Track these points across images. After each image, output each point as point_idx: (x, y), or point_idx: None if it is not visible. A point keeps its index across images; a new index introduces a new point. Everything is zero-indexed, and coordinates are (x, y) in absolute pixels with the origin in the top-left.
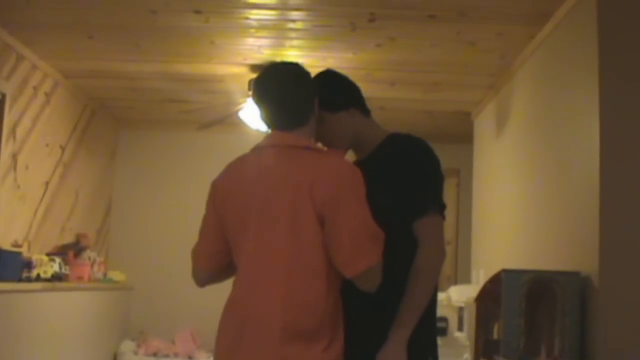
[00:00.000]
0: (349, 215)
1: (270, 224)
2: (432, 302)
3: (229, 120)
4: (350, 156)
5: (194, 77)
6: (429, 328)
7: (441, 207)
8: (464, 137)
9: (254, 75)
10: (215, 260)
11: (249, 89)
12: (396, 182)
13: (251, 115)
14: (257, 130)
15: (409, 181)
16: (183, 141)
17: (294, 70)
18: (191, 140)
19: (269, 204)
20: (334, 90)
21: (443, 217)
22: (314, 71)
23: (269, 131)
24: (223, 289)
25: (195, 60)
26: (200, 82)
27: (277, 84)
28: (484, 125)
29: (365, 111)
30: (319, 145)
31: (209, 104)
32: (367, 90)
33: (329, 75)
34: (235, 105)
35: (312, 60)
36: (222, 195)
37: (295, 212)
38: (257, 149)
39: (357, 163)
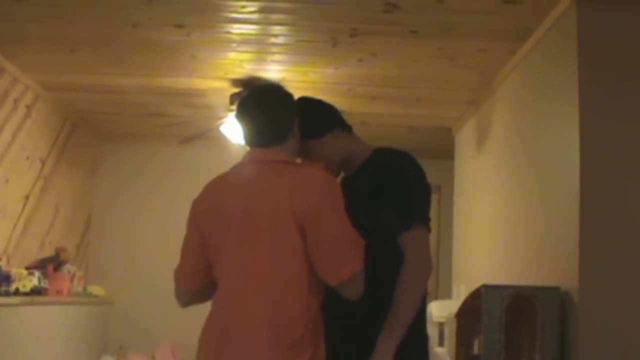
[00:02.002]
0: (330, 224)
1: (251, 237)
2: (421, 315)
3: (210, 135)
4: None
5: (176, 91)
6: (419, 341)
7: (426, 219)
8: (445, 152)
9: (235, 90)
10: (197, 279)
11: (231, 104)
12: (382, 196)
13: (233, 130)
14: (239, 145)
15: (394, 194)
16: (164, 155)
17: (276, 91)
18: (172, 155)
19: (249, 218)
20: (314, 116)
21: (428, 229)
22: (296, 85)
23: (248, 148)
24: (205, 304)
25: (176, 74)
26: (182, 96)
27: (259, 103)
28: (465, 140)
29: (347, 128)
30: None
31: (191, 118)
32: (348, 105)
33: (304, 104)
34: (217, 119)
35: (293, 74)
36: (201, 213)
37: (275, 224)
38: (237, 167)
39: (345, 179)
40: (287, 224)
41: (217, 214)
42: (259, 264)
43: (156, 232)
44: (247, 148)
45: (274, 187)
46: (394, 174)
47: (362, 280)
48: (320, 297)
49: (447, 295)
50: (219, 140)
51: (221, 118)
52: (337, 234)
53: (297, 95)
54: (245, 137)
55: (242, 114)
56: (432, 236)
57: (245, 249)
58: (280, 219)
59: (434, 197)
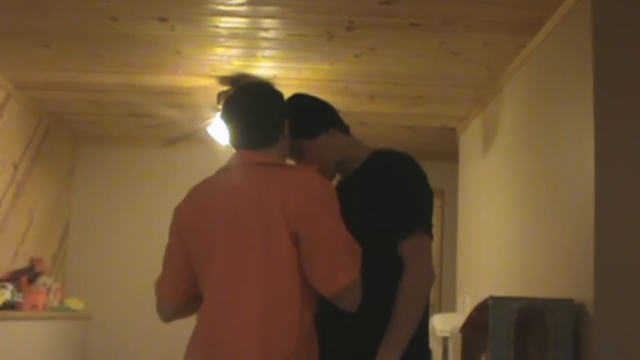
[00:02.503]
0: (325, 230)
1: (240, 246)
2: (423, 329)
3: (197, 136)
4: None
5: (159, 89)
6: (421, 357)
7: (428, 226)
8: (448, 154)
9: (223, 88)
10: (180, 291)
11: (218, 103)
12: (380, 201)
13: (221, 131)
14: (227, 147)
15: (393, 199)
16: (147, 158)
17: (264, 90)
18: (156, 158)
19: (237, 225)
20: (307, 115)
21: (430, 237)
22: (288, 83)
23: (234, 151)
24: (190, 319)
25: (160, 72)
26: (166, 95)
27: (245, 103)
28: (470, 141)
29: (344, 129)
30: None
31: (175, 118)
32: (344, 104)
33: (298, 100)
34: (204, 120)
35: (285, 71)
36: (185, 220)
37: (266, 232)
38: (223, 170)
39: (341, 183)
40: (278, 231)
41: (201, 222)
42: (249, 274)
43: (139, 241)
44: (234, 151)
45: (264, 192)
46: (393, 178)
47: (360, 290)
48: (314, 310)
49: (451, 307)
50: (206, 142)
51: (208, 118)
52: (332, 241)
53: (289, 93)
54: (232, 139)
55: (227, 115)
56: (435, 244)
57: (234, 258)
58: (271, 226)
59: (436, 202)
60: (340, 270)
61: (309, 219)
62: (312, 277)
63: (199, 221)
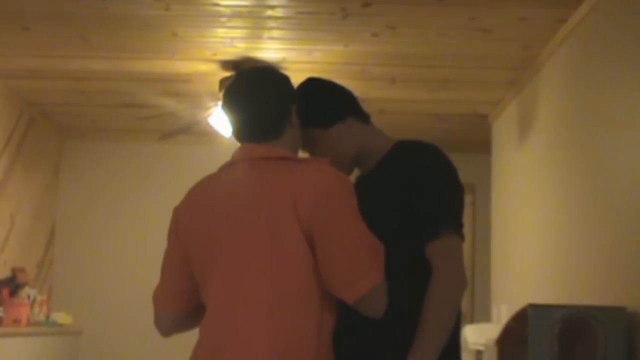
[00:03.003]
0: (344, 229)
1: (245, 250)
2: (454, 341)
3: (197, 129)
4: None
5: (154, 76)
6: None
7: (459, 226)
8: (479, 145)
9: (225, 74)
10: (180, 301)
11: (220, 90)
12: (405, 199)
13: (224, 122)
14: (231, 140)
15: (420, 196)
16: (142, 154)
17: (267, 74)
18: (152, 153)
19: (242, 227)
20: (321, 101)
21: (461, 237)
22: (298, 67)
23: (238, 145)
24: (190, 332)
25: (154, 57)
26: (161, 83)
27: (247, 91)
28: (504, 130)
29: (363, 117)
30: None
31: (173, 109)
32: (362, 89)
33: (311, 86)
34: (204, 110)
35: (295, 54)
36: (185, 222)
37: (276, 233)
38: (226, 166)
39: (360, 178)
40: (290, 232)
41: (204, 226)
42: (256, 281)
43: (134, 246)
44: (238, 144)
45: (273, 189)
46: (419, 172)
47: (385, 294)
48: (334, 318)
49: (485, 317)
50: (208, 134)
51: (209, 108)
52: (351, 240)
53: (300, 78)
54: (234, 131)
55: (228, 105)
56: (466, 246)
57: (239, 264)
58: (281, 227)
59: (467, 199)
60: (362, 273)
61: (324, 217)
62: (330, 282)
63: (201, 223)
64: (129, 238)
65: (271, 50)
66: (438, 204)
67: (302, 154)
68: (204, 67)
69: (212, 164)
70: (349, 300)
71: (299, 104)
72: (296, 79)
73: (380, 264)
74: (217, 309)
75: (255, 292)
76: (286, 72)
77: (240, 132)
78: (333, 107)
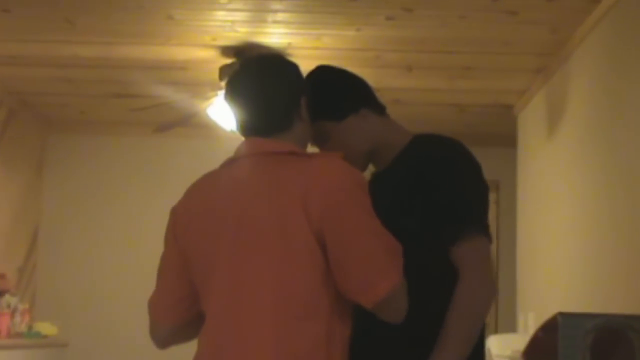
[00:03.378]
0: (359, 229)
1: (250, 253)
2: (477, 352)
3: (195, 121)
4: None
5: (147, 63)
6: None
7: (485, 226)
8: (504, 138)
9: (226, 61)
10: (179, 311)
11: (221, 79)
12: (424, 197)
13: (224, 113)
14: (233, 133)
15: (442, 195)
16: (134, 149)
17: (274, 62)
18: (146, 148)
19: (247, 228)
20: (333, 92)
21: (489, 239)
22: (306, 53)
23: (243, 139)
24: (190, 344)
25: (148, 42)
26: (156, 70)
27: (252, 81)
28: (530, 122)
29: (378, 109)
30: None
31: (168, 99)
32: (375, 77)
33: (321, 75)
34: (203, 100)
35: (302, 39)
36: (183, 223)
37: (284, 234)
38: (229, 162)
39: (375, 176)
40: (299, 233)
41: (204, 227)
42: (261, 287)
43: (126, 250)
44: (242, 138)
45: (281, 186)
46: (441, 168)
47: (405, 296)
48: (349, 326)
49: (511, 327)
50: (207, 127)
51: (209, 98)
52: (366, 240)
53: (307, 66)
54: (238, 124)
55: (232, 96)
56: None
57: (242, 269)
58: (290, 227)
59: (490, 198)
60: (380, 275)
61: (336, 216)
62: (346, 287)
63: (201, 224)
64: (121, 241)
65: (276, 35)
66: (463, 202)
67: (312, 150)
68: (202, 53)
69: (211, 159)
70: (367, 304)
71: (308, 95)
72: (304, 67)
73: (399, 265)
74: (218, 316)
75: (259, 298)
76: (292, 59)
77: (245, 126)
78: (346, 97)
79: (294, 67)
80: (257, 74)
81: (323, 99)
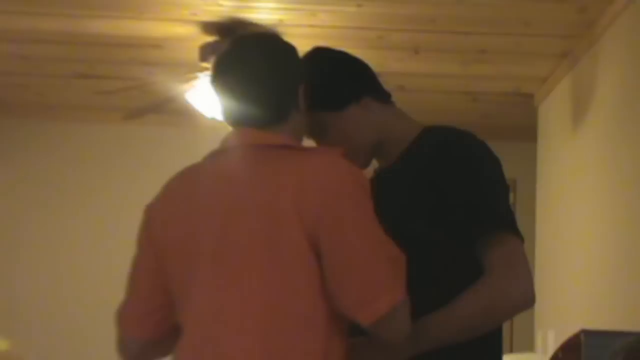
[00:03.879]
0: (358, 237)
1: (235, 258)
2: None
3: (171, 106)
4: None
5: (117, 40)
6: None
7: (517, 227)
8: (522, 131)
9: (208, 39)
10: (151, 322)
11: (201, 59)
12: (439, 197)
13: (206, 99)
14: (214, 120)
15: (460, 192)
16: (101, 138)
17: (270, 44)
18: (113, 137)
19: (232, 230)
20: (332, 78)
21: (521, 239)
22: (299, 32)
23: (230, 128)
24: None
25: (118, 16)
26: (127, 48)
27: (244, 64)
28: (554, 113)
29: (383, 97)
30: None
31: (141, 81)
32: (378, 61)
33: (319, 59)
34: (181, 83)
35: (295, 16)
36: (160, 223)
37: (273, 239)
38: (214, 155)
39: (380, 172)
40: (291, 237)
41: (184, 225)
42: (248, 297)
43: (90, 255)
44: (229, 127)
45: (271, 184)
46: (459, 165)
47: (408, 314)
48: (344, 343)
49: (528, 345)
50: (185, 113)
51: (187, 81)
52: (367, 251)
53: (301, 47)
54: (226, 114)
55: (219, 81)
56: None
57: (226, 275)
58: (280, 230)
59: None
60: (380, 290)
61: (333, 220)
62: (341, 301)
63: (180, 225)
64: (85, 244)
65: (265, 10)
66: (491, 202)
67: (309, 143)
68: (180, 29)
69: (190, 151)
70: (364, 322)
71: (306, 82)
72: (298, 48)
73: (402, 279)
74: (197, 330)
75: (246, 309)
76: (283, 37)
77: (234, 115)
78: (346, 84)
79: (293, 50)
80: (250, 56)
81: (320, 86)
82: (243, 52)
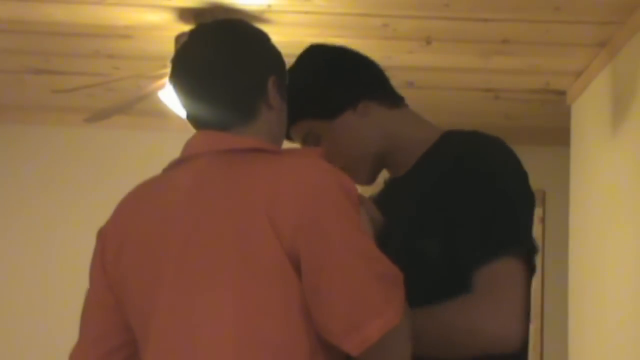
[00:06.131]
0: (342, 248)
1: (202, 284)
2: None
3: (141, 107)
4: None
5: (78, 29)
6: None
7: (525, 249)
8: (553, 134)
9: (184, 28)
10: None
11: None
12: (452, 211)
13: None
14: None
15: (474, 209)
16: (60, 142)
17: (233, 30)
18: (74, 141)
19: (197, 250)
20: (321, 82)
21: (530, 265)
22: (290, 19)
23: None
24: None
25: (79, 0)
26: (90, 39)
27: (202, 57)
28: (589, 113)
29: (389, 99)
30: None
31: (106, 76)
32: (383, 53)
33: (309, 58)
34: (153, 79)
35: (286, 1)
36: (113, 249)
37: (245, 256)
38: (173, 165)
39: (391, 183)
40: (266, 255)
41: (141, 250)
42: (219, 330)
43: (38, 283)
44: (192, 130)
45: (240, 194)
46: (469, 178)
47: (406, 340)
48: None
49: None
50: (158, 114)
51: (160, 77)
52: (353, 266)
53: (292, 36)
54: (188, 116)
55: (175, 79)
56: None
57: (192, 306)
58: (253, 248)
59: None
60: (369, 313)
61: (312, 230)
62: (326, 327)
63: (137, 250)
64: (33, 269)
65: None
66: (498, 218)
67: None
68: (153, 17)
69: (162, 157)
70: (352, 352)
71: (279, 74)
72: (289, 38)
73: (397, 300)
74: None
75: (216, 344)
76: (273, 26)
77: (196, 117)
78: (338, 89)
79: (261, 36)
80: (206, 47)
81: (307, 92)
82: (198, 44)
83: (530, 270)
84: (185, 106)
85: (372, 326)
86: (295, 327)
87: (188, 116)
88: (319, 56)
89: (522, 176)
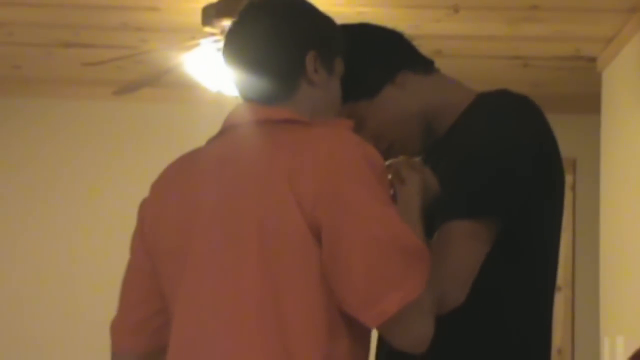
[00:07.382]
0: (363, 219)
1: (227, 254)
2: None
3: (169, 79)
4: None
5: (107, 1)
6: None
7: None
8: (583, 102)
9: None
10: (146, 333)
11: (204, 24)
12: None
13: (208, 69)
14: (219, 94)
15: (457, 173)
16: (89, 116)
17: (276, 7)
18: (103, 115)
19: (224, 217)
20: (356, 62)
21: (479, 222)
22: None
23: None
24: None
25: None
26: (118, 12)
27: (247, 32)
28: (621, 80)
29: (422, 66)
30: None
31: (134, 49)
32: (410, 22)
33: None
34: (181, 51)
35: None
36: (152, 219)
37: (269, 227)
38: (216, 138)
39: (432, 148)
40: (287, 224)
41: (176, 219)
42: (240, 296)
43: (76, 258)
44: (235, 102)
45: (268, 163)
46: (473, 141)
47: (428, 315)
48: (353, 347)
49: (593, 354)
50: (186, 87)
51: (188, 48)
52: (375, 238)
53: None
54: (237, 88)
55: (225, 50)
56: (563, 250)
57: (216, 275)
58: (275, 219)
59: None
60: (388, 286)
61: (333, 203)
62: (344, 298)
63: (173, 219)
64: (70, 244)
65: None
66: (466, 182)
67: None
68: None
69: (192, 130)
70: (371, 323)
71: (322, 51)
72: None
73: (420, 274)
74: (182, 337)
75: (237, 311)
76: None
77: (242, 89)
78: (374, 65)
79: (306, 12)
80: (254, 20)
81: (344, 76)
82: (244, 20)
83: (489, 232)
84: (234, 79)
85: (390, 299)
86: (315, 294)
87: (237, 89)
88: (346, 39)
89: (550, 140)
